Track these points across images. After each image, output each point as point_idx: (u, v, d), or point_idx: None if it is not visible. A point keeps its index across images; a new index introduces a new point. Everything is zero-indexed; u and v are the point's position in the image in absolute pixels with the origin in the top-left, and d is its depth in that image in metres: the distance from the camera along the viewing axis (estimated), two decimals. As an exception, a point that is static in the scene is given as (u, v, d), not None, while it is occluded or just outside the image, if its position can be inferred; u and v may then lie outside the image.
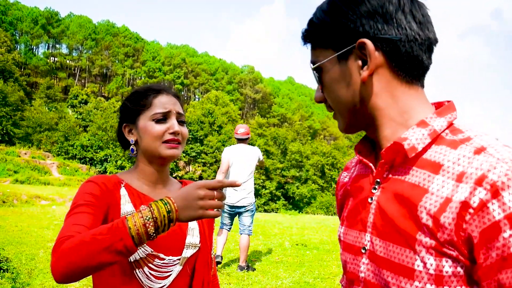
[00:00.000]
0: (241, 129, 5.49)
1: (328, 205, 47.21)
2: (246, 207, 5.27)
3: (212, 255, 1.35)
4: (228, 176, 5.35)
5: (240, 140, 5.42)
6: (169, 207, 0.97)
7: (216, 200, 1.01)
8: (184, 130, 1.28)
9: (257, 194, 45.17)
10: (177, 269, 1.24)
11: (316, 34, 0.81)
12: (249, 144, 5.59)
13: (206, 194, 0.99)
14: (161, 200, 0.99)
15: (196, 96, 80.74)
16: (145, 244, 1.14)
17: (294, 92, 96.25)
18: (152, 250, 1.19)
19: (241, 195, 5.24)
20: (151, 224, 0.95)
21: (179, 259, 1.24)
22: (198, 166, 49.57)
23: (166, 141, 1.23)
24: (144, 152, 1.27)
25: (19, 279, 4.65)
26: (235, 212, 5.31)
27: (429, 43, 0.77)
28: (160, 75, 71.61)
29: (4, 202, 14.16)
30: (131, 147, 1.30)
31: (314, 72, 0.83)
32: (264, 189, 48.11)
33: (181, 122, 1.28)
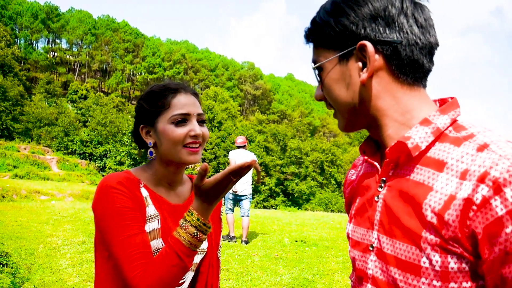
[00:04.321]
0: (240, 139, 7.25)
1: (327, 202, 47.27)
2: (247, 196, 6.92)
3: (218, 255, 1.35)
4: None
5: (240, 147, 7.14)
6: (199, 221, 1.07)
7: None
8: (205, 130, 1.22)
9: (256, 190, 45.16)
10: (190, 275, 1.24)
11: (318, 34, 0.81)
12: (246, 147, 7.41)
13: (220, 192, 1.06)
14: (191, 214, 1.07)
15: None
16: None
17: (294, 88, 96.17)
18: None
19: (244, 186, 6.80)
20: (199, 235, 1.07)
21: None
22: (198, 162, 49.54)
23: (187, 145, 1.19)
24: (163, 155, 1.21)
25: (18, 274, 4.65)
26: (238, 198, 6.92)
27: (430, 47, 0.77)
28: (160, 70, 71.44)
29: (3, 197, 14.15)
30: (149, 150, 1.23)
31: (315, 71, 0.83)
32: (263, 186, 48.12)
33: (201, 122, 1.23)
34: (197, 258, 1.25)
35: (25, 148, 36.21)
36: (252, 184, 7.18)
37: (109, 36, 70.29)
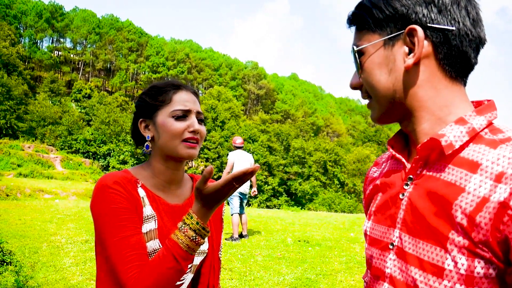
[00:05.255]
0: (239, 140, 7.51)
1: (331, 202, 47.20)
2: (246, 195, 7.42)
3: (219, 255, 1.34)
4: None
5: (238, 148, 7.43)
6: (198, 225, 1.06)
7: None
8: (203, 129, 1.23)
9: (259, 190, 45.16)
10: (189, 276, 1.23)
11: (365, 16, 0.78)
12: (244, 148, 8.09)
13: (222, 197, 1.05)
14: (190, 217, 1.05)
15: (200, 92, 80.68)
16: None
17: (298, 88, 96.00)
18: None
19: (245, 186, 7.24)
20: (198, 239, 1.06)
21: (191, 267, 1.22)
22: (201, 162, 49.57)
23: (185, 140, 1.19)
24: (160, 149, 1.21)
25: (22, 272, 4.67)
26: (241, 196, 7.30)
27: (479, 41, 0.75)
28: (164, 70, 71.52)
29: (7, 195, 14.22)
30: (146, 143, 1.24)
31: (355, 55, 0.81)
32: (266, 185, 48.10)
33: (200, 121, 1.24)
34: (198, 260, 1.24)
35: (29, 147, 36.39)
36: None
37: (113, 35, 70.39)
